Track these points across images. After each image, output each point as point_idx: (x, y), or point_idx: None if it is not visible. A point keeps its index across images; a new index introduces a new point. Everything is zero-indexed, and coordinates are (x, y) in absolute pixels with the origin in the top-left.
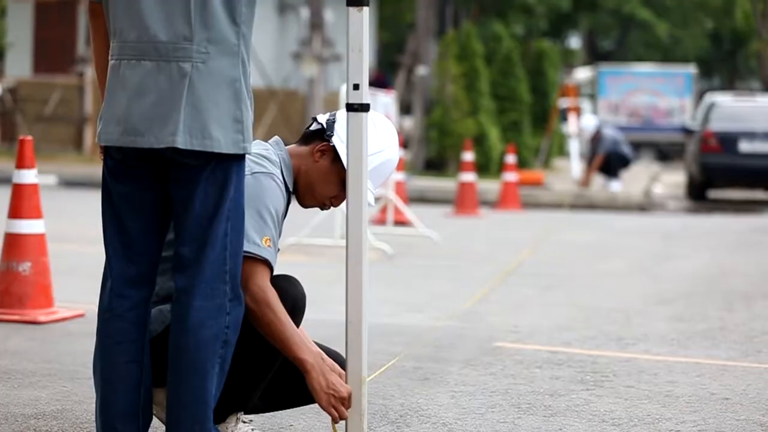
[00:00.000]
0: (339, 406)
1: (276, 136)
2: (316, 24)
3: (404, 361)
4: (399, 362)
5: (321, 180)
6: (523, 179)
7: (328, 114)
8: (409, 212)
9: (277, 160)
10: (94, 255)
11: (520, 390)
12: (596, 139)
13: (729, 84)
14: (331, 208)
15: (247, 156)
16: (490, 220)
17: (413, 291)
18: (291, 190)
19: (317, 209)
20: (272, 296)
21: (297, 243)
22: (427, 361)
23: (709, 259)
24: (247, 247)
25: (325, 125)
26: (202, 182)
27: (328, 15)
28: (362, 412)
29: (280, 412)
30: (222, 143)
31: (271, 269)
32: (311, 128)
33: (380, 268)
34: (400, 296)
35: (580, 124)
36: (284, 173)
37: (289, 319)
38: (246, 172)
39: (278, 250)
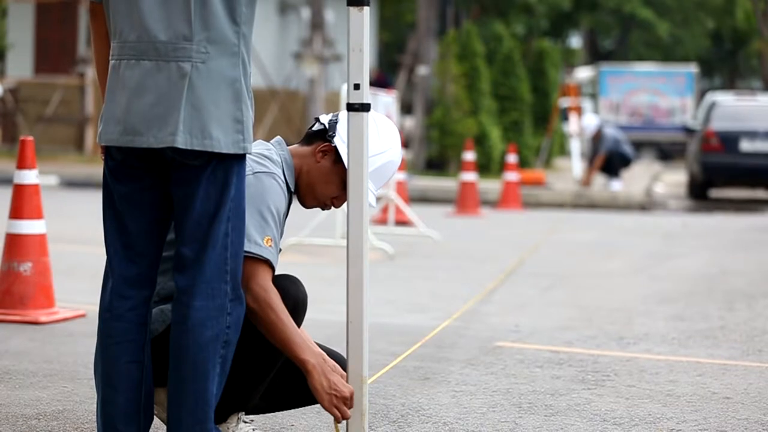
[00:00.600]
0: (341, 406)
1: (278, 136)
2: (317, 24)
3: (405, 360)
4: (400, 362)
5: (322, 180)
6: (525, 179)
7: (331, 114)
8: (411, 212)
9: (279, 160)
10: (95, 255)
11: (521, 389)
12: (597, 138)
13: (730, 83)
14: (332, 208)
15: (248, 156)
16: (491, 219)
17: (414, 291)
18: (292, 190)
19: (318, 209)
20: (274, 296)
21: (298, 243)
22: (428, 361)
23: (709, 259)
24: (249, 246)
25: (327, 125)
26: (202, 182)
27: (328, 15)
28: (363, 411)
29: (281, 412)
30: (222, 143)
31: (273, 269)
32: (313, 128)
33: (381, 267)
34: (401, 296)
35: (582, 123)
36: (286, 173)
37: (291, 320)
38: (247, 172)
39: (280, 249)
